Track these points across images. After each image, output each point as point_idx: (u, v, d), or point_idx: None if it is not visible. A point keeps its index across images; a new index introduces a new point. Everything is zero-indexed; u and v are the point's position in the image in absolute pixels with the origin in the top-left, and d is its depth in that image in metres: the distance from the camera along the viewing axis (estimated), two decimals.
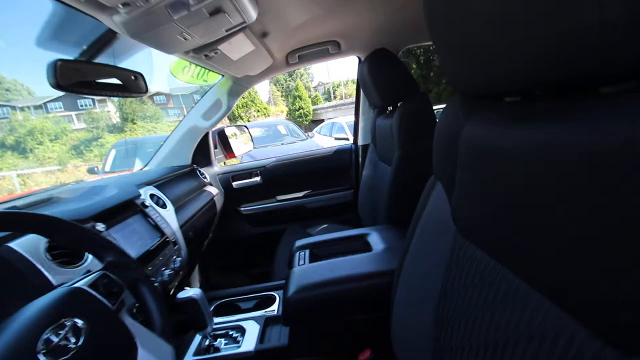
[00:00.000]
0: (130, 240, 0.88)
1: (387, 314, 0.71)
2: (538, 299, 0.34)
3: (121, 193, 0.99)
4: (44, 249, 0.65)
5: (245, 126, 2.11)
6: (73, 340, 0.42)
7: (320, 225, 1.69)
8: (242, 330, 0.91)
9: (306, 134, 8.09)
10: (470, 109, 0.52)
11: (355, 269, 0.83)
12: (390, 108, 1.35)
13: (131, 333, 0.51)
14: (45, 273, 0.62)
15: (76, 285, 0.49)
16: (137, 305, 0.61)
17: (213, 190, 1.67)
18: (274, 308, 0.99)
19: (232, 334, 0.90)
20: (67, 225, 0.54)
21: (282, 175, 1.83)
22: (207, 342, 0.86)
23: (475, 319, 0.47)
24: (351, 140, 1.93)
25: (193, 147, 1.71)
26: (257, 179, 1.82)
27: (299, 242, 1.11)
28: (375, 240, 1.00)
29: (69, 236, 0.54)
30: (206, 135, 1.75)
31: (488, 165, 0.41)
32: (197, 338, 0.89)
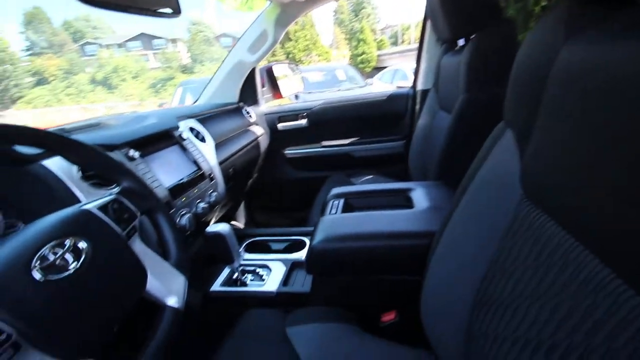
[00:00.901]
0: (165, 169, 0.88)
1: (419, 279, 0.62)
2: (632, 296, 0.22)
3: (160, 123, 0.99)
4: (77, 169, 0.66)
5: (296, 64, 1.98)
6: (71, 260, 0.41)
7: (365, 176, 1.59)
8: (268, 270, 0.90)
9: (365, 81, 7.63)
10: (574, 24, 0.35)
11: (389, 225, 0.73)
12: (462, 42, 1.11)
13: (140, 260, 0.50)
14: (77, 192, 0.63)
15: (85, 207, 0.48)
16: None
17: (258, 130, 1.64)
18: (302, 254, 0.96)
19: (258, 272, 0.91)
20: (80, 146, 0.52)
21: (329, 119, 1.72)
22: (235, 276, 0.88)
23: (533, 306, 0.36)
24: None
25: (239, 84, 1.66)
26: (303, 122, 1.73)
27: (335, 190, 1.03)
28: (419, 196, 0.88)
29: (81, 157, 0.52)
30: (253, 72, 1.68)
31: (592, 102, 0.27)
32: (226, 270, 0.91)
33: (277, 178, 1.85)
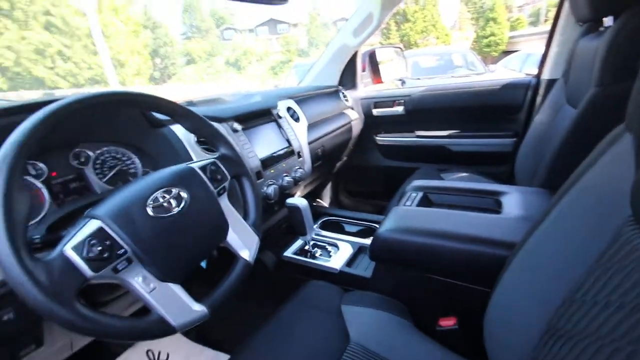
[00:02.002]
0: (261, 142, 1.00)
1: (488, 290, 0.57)
2: None
3: (262, 102, 1.11)
4: (194, 135, 0.82)
5: (400, 48, 1.90)
6: (175, 205, 0.52)
7: (458, 173, 1.46)
8: (336, 248, 0.95)
9: (487, 67, 6.76)
10: None
11: (462, 227, 0.68)
12: (609, 22, 0.89)
13: (224, 215, 0.60)
14: (191, 153, 0.79)
15: (190, 165, 0.59)
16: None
17: (352, 114, 1.67)
18: (370, 240, 0.98)
19: (327, 248, 0.96)
20: (194, 116, 0.64)
21: (427, 108, 1.62)
22: (306, 247, 0.96)
23: (606, 348, 0.31)
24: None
25: (341, 68, 1.70)
26: (399, 109, 1.68)
27: (416, 182, 0.99)
28: (511, 202, 0.78)
29: (193, 125, 0.64)
30: (355, 56, 1.69)
31: None
32: (300, 241, 0.99)
33: (366, 163, 1.86)
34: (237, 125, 0.94)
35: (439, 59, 6.67)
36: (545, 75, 1.33)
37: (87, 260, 0.42)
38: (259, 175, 0.94)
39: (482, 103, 1.52)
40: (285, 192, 1.04)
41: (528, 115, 1.42)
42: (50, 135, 0.45)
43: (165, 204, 0.51)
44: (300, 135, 1.18)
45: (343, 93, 1.70)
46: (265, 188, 0.96)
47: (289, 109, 1.21)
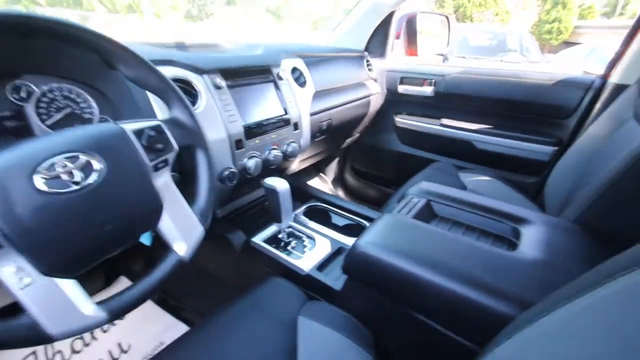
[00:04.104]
0: (249, 106, 0.85)
1: (477, 350, 0.43)
2: None
3: (261, 56, 0.94)
4: None
5: (447, 17, 1.62)
6: (79, 177, 0.39)
7: (480, 175, 1.27)
8: (313, 243, 0.82)
9: (543, 56, 6.09)
10: None
11: (464, 262, 0.53)
12: None
13: (158, 196, 0.47)
14: (155, 107, 0.65)
15: (122, 125, 0.46)
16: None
17: (373, 87, 1.46)
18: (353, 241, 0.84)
19: (304, 241, 0.84)
20: (135, 59, 0.49)
21: (460, 93, 1.39)
22: (280, 235, 0.83)
23: None
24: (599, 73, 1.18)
25: (370, 30, 1.46)
26: (429, 90, 1.45)
27: (422, 184, 0.83)
28: (533, 236, 0.61)
29: (135, 71, 0.50)
30: (390, 17, 1.44)
31: None
32: (274, 227, 0.87)
33: (379, 144, 1.67)
34: (220, 80, 0.78)
35: (492, 38, 6.04)
36: (615, 79, 1.07)
37: None
38: (238, 144, 0.80)
39: (527, 98, 1.28)
40: (270, 167, 0.90)
41: (580, 123, 1.18)
42: None
43: (63, 176, 0.39)
44: (302, 103, 1.01)
45: (368, 61, 1.48)
46: (245, 160, 0.82)
47: (294, 69, 1.03)
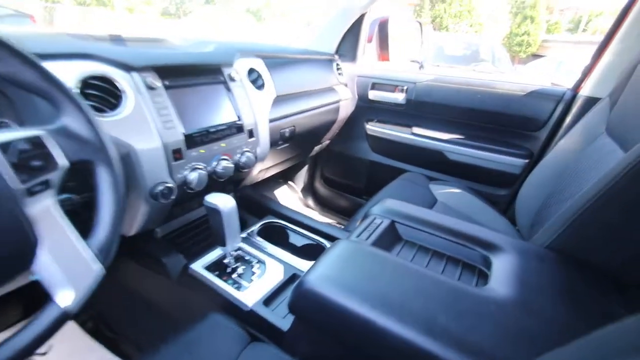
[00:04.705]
0: (191, 109, 0.74)
1: None
2: None
3: (211, 54, 0.83)
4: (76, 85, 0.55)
5: (420, 23, 1.57)
6: None
7: (450, 186, 1.21)
8: (264, 269, 0.72)
9: (514, 67, 6.30)
10: None
11: (426, 305, 0.44)
12: None
13: (32, 228, 0.36)
14: None
15: None
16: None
17: (344, 92, 1.38)
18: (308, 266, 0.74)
19: (253, 266, 0.73)
20: (10, 51, 0.37)
21: (432, 102, 1.33)
22: (225, 260, 0.72)
23: None
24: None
25: (341, 33, 1.39)
26: (401, 97, 1.39)
27: (388, 203, 0.74)
28: (505, 266, 0.54)
29: (9, 67, 0.38)
30: (361, 20, 1.37)
31: None
32: (219, 251, 0.76)
33: (349, 153, 1.59)
34: (154, 80, 0.67)
35: (467, 47, 6.19)
36: (586, 91, 1.05)
37: None
38: (177, 154, 0.69)
39: (498, 109, 1.24)
40: (220, 180, 0.79)
41: (551, 136, 1.15)
42: None
43: None
44: (259, 108, 0.91)
45: (338, 65, 1.40)
46: (186, 172, 0.71)
47: (251, 71, 0.93)
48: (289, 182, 1.74)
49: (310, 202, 1.77)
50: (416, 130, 1.38)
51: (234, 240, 0.69)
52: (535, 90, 1.18)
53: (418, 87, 1.34)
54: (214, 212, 0.65)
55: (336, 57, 1.42)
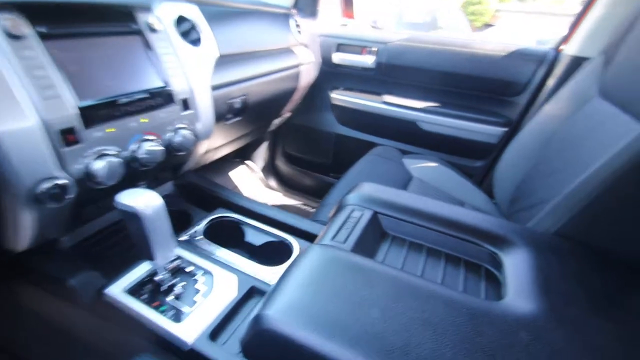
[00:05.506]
0: (89, 70, 0.51)
1: None
2: None
3: None
4: None
5: None
6: None
7: (424, 160, 1.10)
8: (210, 283, 0.55)
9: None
10: None
11: (431, 345, 0.31)
12: None
13: None
14: None
15: None
16: None
17: (304, 55, 1.18)
18: (275, 273, 0.58)
19: (197, 282, 0.55)
20: None
21: (405, 65, 1.18)
22: (158, 277, 0.54)
23: None
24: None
25: None
26: (370, 60, 1.22)
27: (365, 189, 0.60)
28: (523, 272, 0.42)
29: None
30: None
31: None
32: (146, 266, 0.56)
33: (313, 125, 1.42)
34: (18, 24, 0.44)
35: (426, 14, 6.05)
36: (574, 50, 0.95)
37: None
38: (69, 137, 0.47)
39: (475, 72, 1.12)
40: (144, 169, 0.59)
41: (531, 101, 1.06)
42: None
43: None
44: (196, 70, 0.69)
45: (296, 21, 1.19)
46: (87, 161, 0.50)
47: (182, 20, 0.70)
48: (247, 162, 1.54)
49: (273, 182, 1.59)
50: (387, 98, 1.23)
51: (167, 249, 0.51)
52: (514, 51, 1.07)
53: (389, 48, 1.18)
54: (132, 216, 0.46)
55: (294, 11, 1.20)
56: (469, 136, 1.17)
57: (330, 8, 1.32)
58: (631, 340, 0.35)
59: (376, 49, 1.21)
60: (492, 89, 1.12)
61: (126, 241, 0.64)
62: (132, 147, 0.56)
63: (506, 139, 1.10)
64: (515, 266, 0.43)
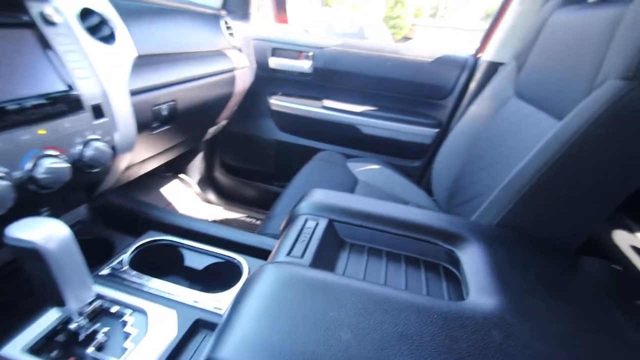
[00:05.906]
0: None
1: None
2: None
3: None
4: None
5: None
6: None
7: (367, 162, 1.12)
8: (145, 325, 0.46)
9: None
10: None
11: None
12: None
13: None
14: None
15: None
16: None
17: (239, 59, 1.11)
18: (225, 297, 0.51)
19: (126, 325, 0.46)
20: None
21: (341, 70, 1.19)
22: (72, 326, 0.43)
23: None
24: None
25: None
26: (306, 65, 1.20)
27: (317, 196, 0.56)
28: (479, 266, 0.43)
29: None
30: None
31: None
32: (55, 314, 0.45)
33: (252, 133, 1.35)
34: None
35: (354, 26, 6.36)
36: (490, 56, 1.05)
37: None
38: None
39: (407, 77, 1.18)
40: (45, 192, 0.47)
41: (458, 103, 1.14)
42: None
43: None
44: (109, 71, 0.59)
45: (227, 23, 1.12)
46: None
47: (88, 13, 0.59)
48: (180, 176, 1.40)
49: (211, 196, 1.47)
50: (327, 103, 1.23)
51: (81, 289, 0.40)
52: (440, 57, 1.15)
53: (325, 53, 1.18)
54: (29, 253, 0.35)
55: (223, 12, 1.13)
56: (406, 138, 1.23)
57: (263, 12, 1.28)
58: (583, 318, 0.37)
59: (312, 54, 1.20)
60: (422, 92, 1.19)
61: (25, 284, 0.51)
62: (27, 165, 0.44)
63: (439, 139, 1.17)
64: (471, 262, 0.44)
